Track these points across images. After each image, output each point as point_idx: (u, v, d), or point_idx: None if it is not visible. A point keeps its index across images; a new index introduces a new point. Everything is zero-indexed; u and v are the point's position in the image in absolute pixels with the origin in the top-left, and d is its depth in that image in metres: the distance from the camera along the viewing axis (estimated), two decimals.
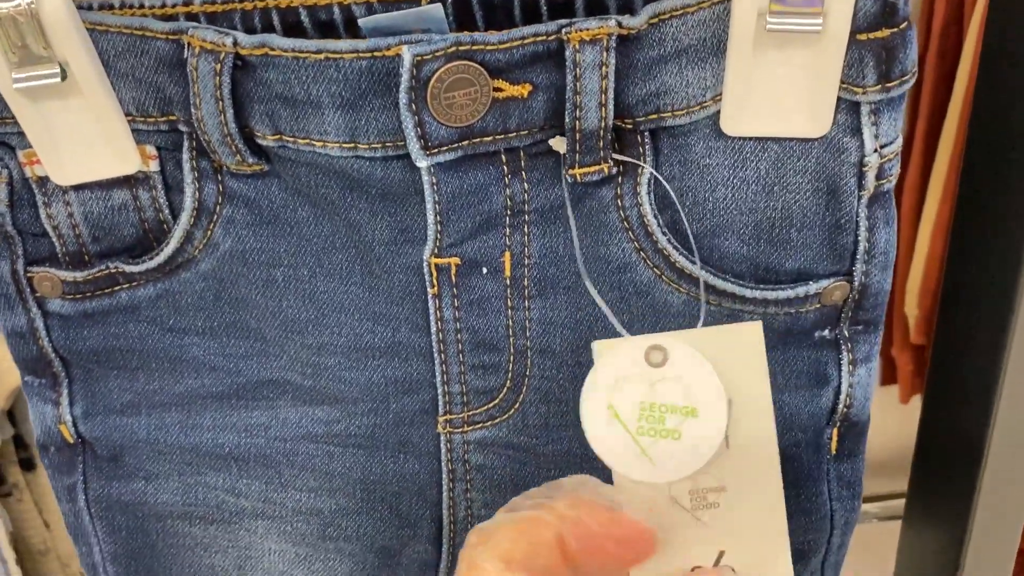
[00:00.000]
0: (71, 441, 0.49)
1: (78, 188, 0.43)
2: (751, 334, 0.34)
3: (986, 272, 0.56)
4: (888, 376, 1.24)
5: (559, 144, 0.40)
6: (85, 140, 0.41)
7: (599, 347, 0.35)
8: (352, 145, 0.39)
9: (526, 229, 0.42)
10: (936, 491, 0.67)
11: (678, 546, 0.34)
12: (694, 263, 0.42)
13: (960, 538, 0.64)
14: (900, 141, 0.41)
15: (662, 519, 0.34)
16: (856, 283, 0.43)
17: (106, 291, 0.45)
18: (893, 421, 1.26)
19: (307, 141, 0.39)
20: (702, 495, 0.34)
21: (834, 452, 0.48)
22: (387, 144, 0.39)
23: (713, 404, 0.34)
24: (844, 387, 0.46)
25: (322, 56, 0.37)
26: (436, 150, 0.39)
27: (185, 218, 0.42)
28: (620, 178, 0.41)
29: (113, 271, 0.44)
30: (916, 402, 1.24)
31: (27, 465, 0.95)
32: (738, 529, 0.34)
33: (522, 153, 0.40)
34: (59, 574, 0.98)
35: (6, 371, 0.83)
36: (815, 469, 0.47)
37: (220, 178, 0.42)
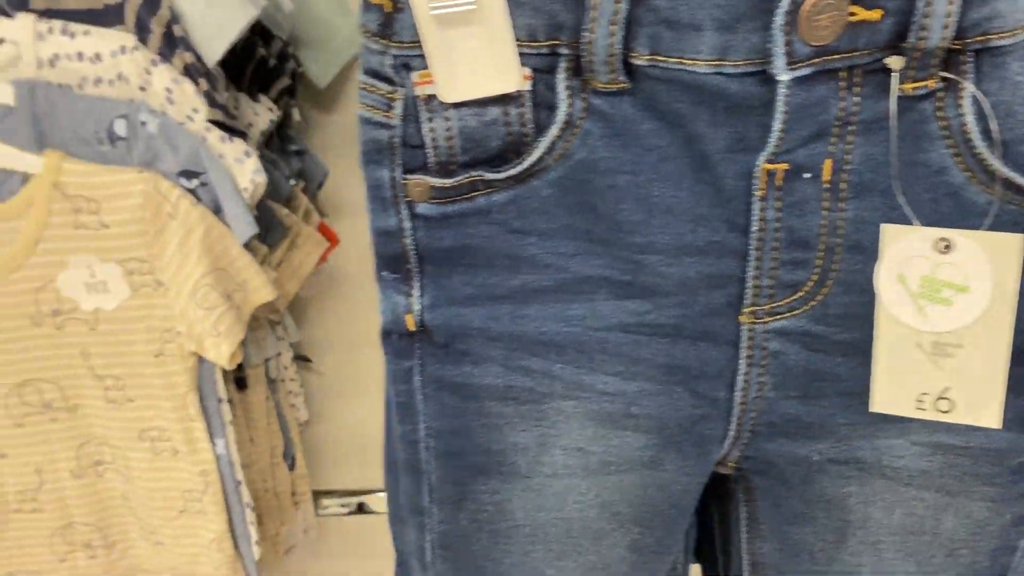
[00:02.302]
0: (412, 329, 0.57)
1: (458, 105, 0.49)
2: (1013, 242, 0.43)
3: None
4: None
5: (897, 62, 0.45)
6: (479, 62, 0.47)
7: (887, 230, 0.46)
8: (719, 62, 0.45)
9: (849, 138, 0.48)
10: None
11: (910, 380, 0.43)
12: (1005, 166, 0.47)
13: None
14: None
15: (903, 358, 0.44)
16: None
17: (467, 196, 0.52)
18: None
19: (678, 60, 0.45)
20: (942, 347, 0.43)
21: None
22: (749, 61, 0.45)
23: (982, 287, 0.43)
24: None
25: None
26: (796, 66, 0.45)
27: (554, 131, 0.49)
28: (942, 92, 0.46)
29: (476, 179, 0.51)
30: None
31: (240, 384, 1.03)
32: (964, 375, 0.42)
33: (859, 69, 0.46)
34: (258, 483, 1.06)
35: (252, 292, 0.90)
36: None
37: (585, 95, 0.48)
